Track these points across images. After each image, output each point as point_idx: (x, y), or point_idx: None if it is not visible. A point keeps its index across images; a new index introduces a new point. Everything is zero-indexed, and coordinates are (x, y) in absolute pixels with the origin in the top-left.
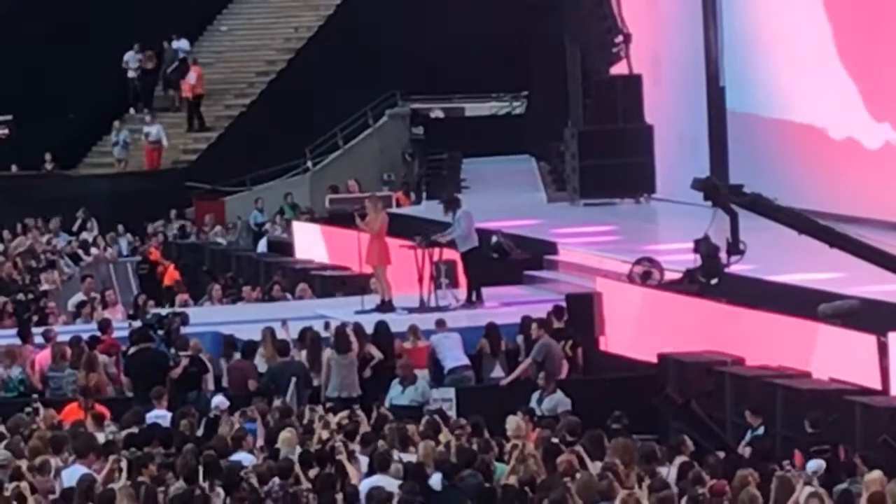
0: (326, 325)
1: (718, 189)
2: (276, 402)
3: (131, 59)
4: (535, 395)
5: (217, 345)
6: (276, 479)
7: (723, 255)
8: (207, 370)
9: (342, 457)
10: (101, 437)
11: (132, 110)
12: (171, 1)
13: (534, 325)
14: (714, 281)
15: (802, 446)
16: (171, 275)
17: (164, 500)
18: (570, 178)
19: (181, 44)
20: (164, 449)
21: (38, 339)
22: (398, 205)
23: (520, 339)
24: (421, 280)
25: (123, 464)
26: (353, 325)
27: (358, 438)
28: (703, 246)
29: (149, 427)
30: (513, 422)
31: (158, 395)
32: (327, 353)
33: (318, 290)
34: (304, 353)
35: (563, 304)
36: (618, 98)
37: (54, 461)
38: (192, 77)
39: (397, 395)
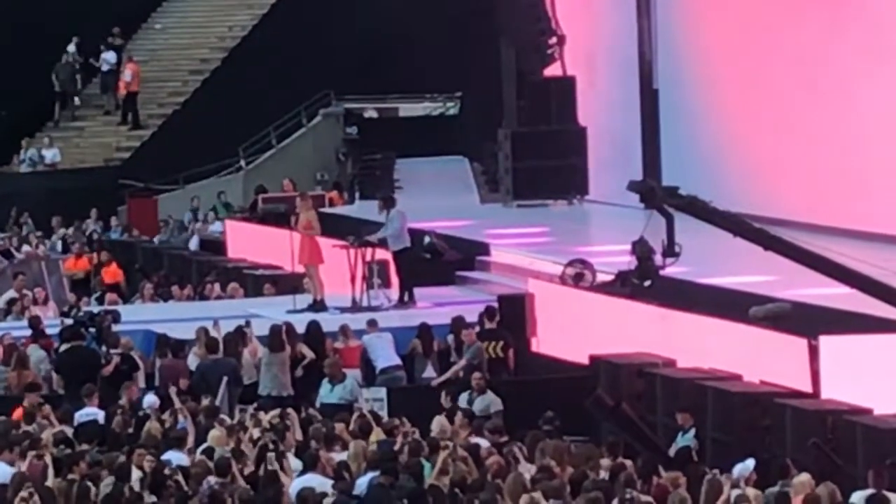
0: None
1: (655, 191)
2: (204, 402)
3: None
4: (465, 396)
5: (148, 343)
6: (211, 479)
7: (658, 258)
8: (138, 368)
9: (272, 455)
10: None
11: (69, 100)
12: None
13: (464, 331)
14: (647, 283)
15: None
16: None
17: (96, 498)
18: (504, 179)
19: (108, 56)
20: (98, 447)
21: None
22: (331, 204)
23: (451, 339)
24: (353, 280)
25: (48, 459)
26: (284, 325)
27: (292, 440)
28: (640, 248)
29: (81, 425)
30: (437, 423)
31: (89, 393)
32: (261, 350)
33: (250, 290)
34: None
35: (496, 304)
36: (551, 99)
37: None
38: (127, 74)
39: (326, 393)
